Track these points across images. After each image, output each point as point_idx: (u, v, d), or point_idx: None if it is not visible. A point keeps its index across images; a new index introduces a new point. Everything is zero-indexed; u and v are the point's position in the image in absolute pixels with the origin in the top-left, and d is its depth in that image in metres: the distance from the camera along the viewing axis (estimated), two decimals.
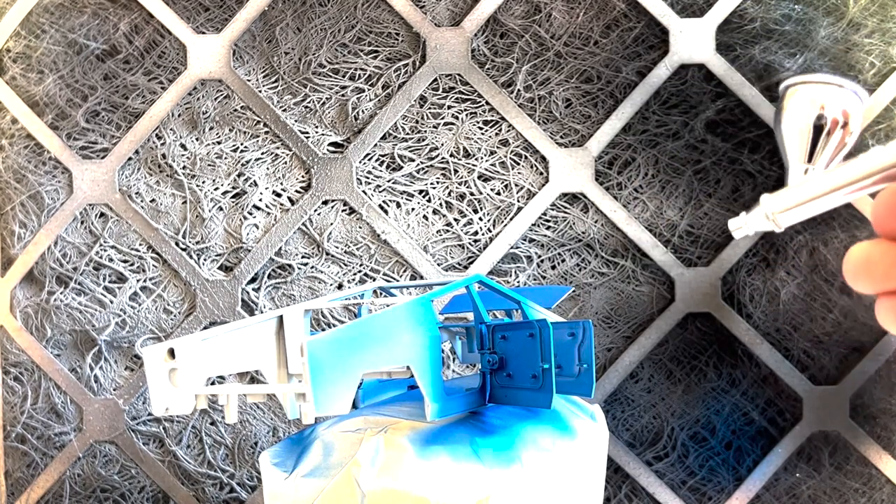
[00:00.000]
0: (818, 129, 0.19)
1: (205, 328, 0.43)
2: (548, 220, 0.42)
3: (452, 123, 0.42)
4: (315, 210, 0.42)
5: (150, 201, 0.43)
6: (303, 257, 0.43)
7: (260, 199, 0.43)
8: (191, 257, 0.43)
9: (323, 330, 0.40)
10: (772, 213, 0.18)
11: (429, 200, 0.42)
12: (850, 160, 0.18)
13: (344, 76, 0.43)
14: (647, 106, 0.42)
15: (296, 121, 0.43)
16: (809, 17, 0.42)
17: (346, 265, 0.43)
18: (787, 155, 0.19)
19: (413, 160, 0.42)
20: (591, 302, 0.42)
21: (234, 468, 0.42)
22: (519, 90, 0.42)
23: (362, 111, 0.43)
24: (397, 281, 0.42)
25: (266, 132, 0.43)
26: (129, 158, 0.43)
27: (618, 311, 0.42)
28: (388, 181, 0.42)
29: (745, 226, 0.19)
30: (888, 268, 0.17)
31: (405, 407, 0.28)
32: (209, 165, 0.43)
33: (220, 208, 0.43)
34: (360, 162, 0.42)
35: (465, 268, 0.42)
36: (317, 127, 0.43)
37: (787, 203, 0.18)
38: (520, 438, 0.25)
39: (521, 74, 0.42)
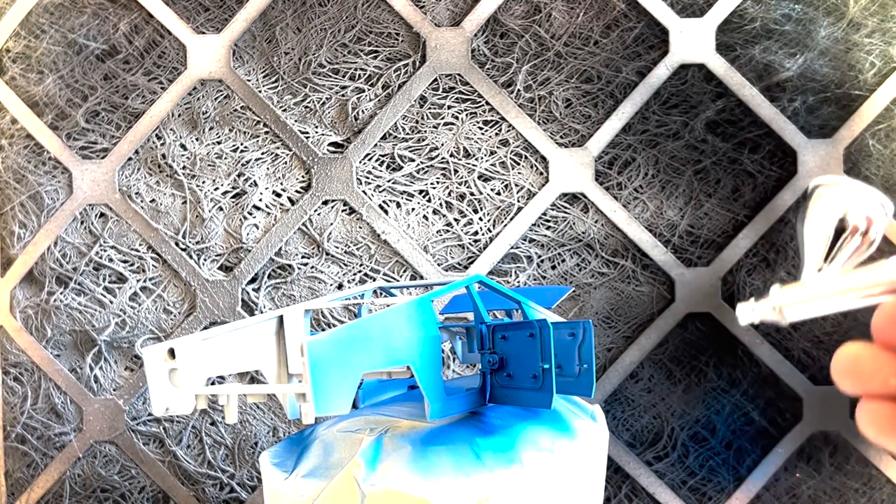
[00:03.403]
0: (839, 231, 0.19)
1: (205, 328, 0.43)
2: (548, 220, 0.42)
3: (452, 123, 0.42)
4: (315, 210, 0.42)
5: (150, 201, 0.43)
6: (303, 257, 0.43)
7: (260, 199, 0.43)
8: (191, 257, 0.43)
9: (323, 330, 0.40)
10: (779, 306, 0.19)
11: (429, 200, 0.42)
12: (864, 267, 0.19)
13: (344, 76, 0.43)
14: (647, 106, 0.42)
15: (296, 121, 0.43)
16: (809, 17, 0.42)
17: (346, 265, 0.43)
18: (804, 252, 0.19)
19: (413, 160, 0.42)
20: (591, 302, 0.42)
21: (234, 468, 0.42)
22: (519, 90, 0.42)
23: (362, 111, 0.43)
24: (397, 281, 0.42)
25: (266, 132, 0.43)
26: (129, 158, 0.43)
27: (618, 311, 0.42)
28: (388, 181, 0.42)
29: (752, 313, 0.19)
30: (873, 371, 0.18)
31: (405, 407, 0.28)
32: (209, 165, 0.43)
33: (220, 208, 0.43)
34: (360, 162, 0.42)
35: (465, 268, 0.42)
36: (317, 127, 0.43)
37: (795, 298, 0.19)
38: (520, 438, 0.25)
39: (521, 74, 0.42)
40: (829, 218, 0.19)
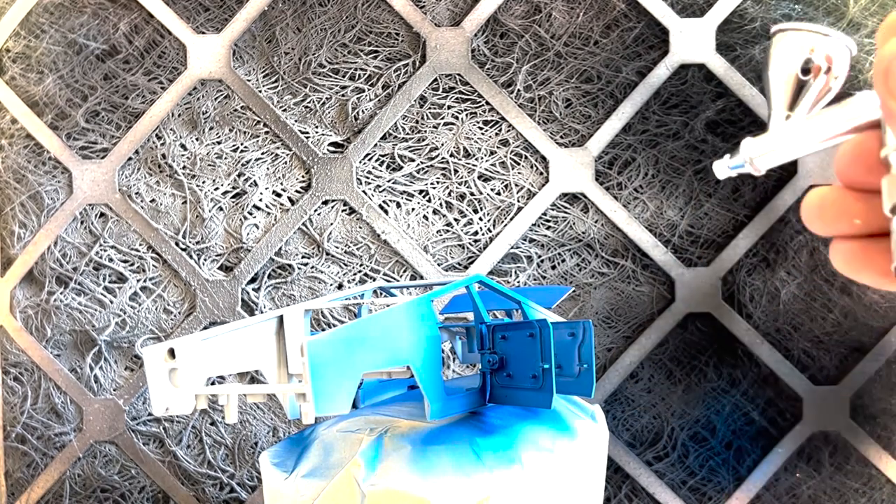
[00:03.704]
0: (805, 76, 0.20)
1: (205, 328, 0.43)
2: (548, 220, 0.42)
3: (452, 123, 0.42)
4: (315, 210, 0.42)
5: (150, 201, 0.43)
6: (303, 257, 0.43)
7: (260, 199, 0.43)
8: (191, 257, 0.43)
9: (323, 330, 0.40)
10: (749, 158, 0.20)
11: (429, 200, 0.42)
12: (829, 108, 0.19)
13: (344, 76, 0.43)
14: (647, 106, 0.42)
15: (296, 121, 0.43)
16: (809, 17, 0.42)
17: (346, 265, 0.43)
18: (770, 101, 0.19)
19: (413, 160, 0.42)
20: (591, 302, 0.42)
21: (234, 468, 0.42)
22: (519, 90, 0.42)
23: (362, 111, 0.43)
24: (397, 281, 0.42)
25: (266, 132, 0.43)
26: (129, 158, 0.43)
27: (618, 311, 0.42)
28: (388, 181, 0.42)
29: (727, 169, 0.20)
30: (838, 213, 0.18)
31: (405, 407, 0.28)
32: (209, 165, 0.43)
33: (220, 208, 0.43)
34: (360, 162, 0.42)
35: (465, 268, 0.42)
36: (317, 127, 0.43)
37: (764, 148, 0.20)
38: (520, 438, 0.25)
39: (521, 74, 0.42)
40: (791, 62, 0.19)
